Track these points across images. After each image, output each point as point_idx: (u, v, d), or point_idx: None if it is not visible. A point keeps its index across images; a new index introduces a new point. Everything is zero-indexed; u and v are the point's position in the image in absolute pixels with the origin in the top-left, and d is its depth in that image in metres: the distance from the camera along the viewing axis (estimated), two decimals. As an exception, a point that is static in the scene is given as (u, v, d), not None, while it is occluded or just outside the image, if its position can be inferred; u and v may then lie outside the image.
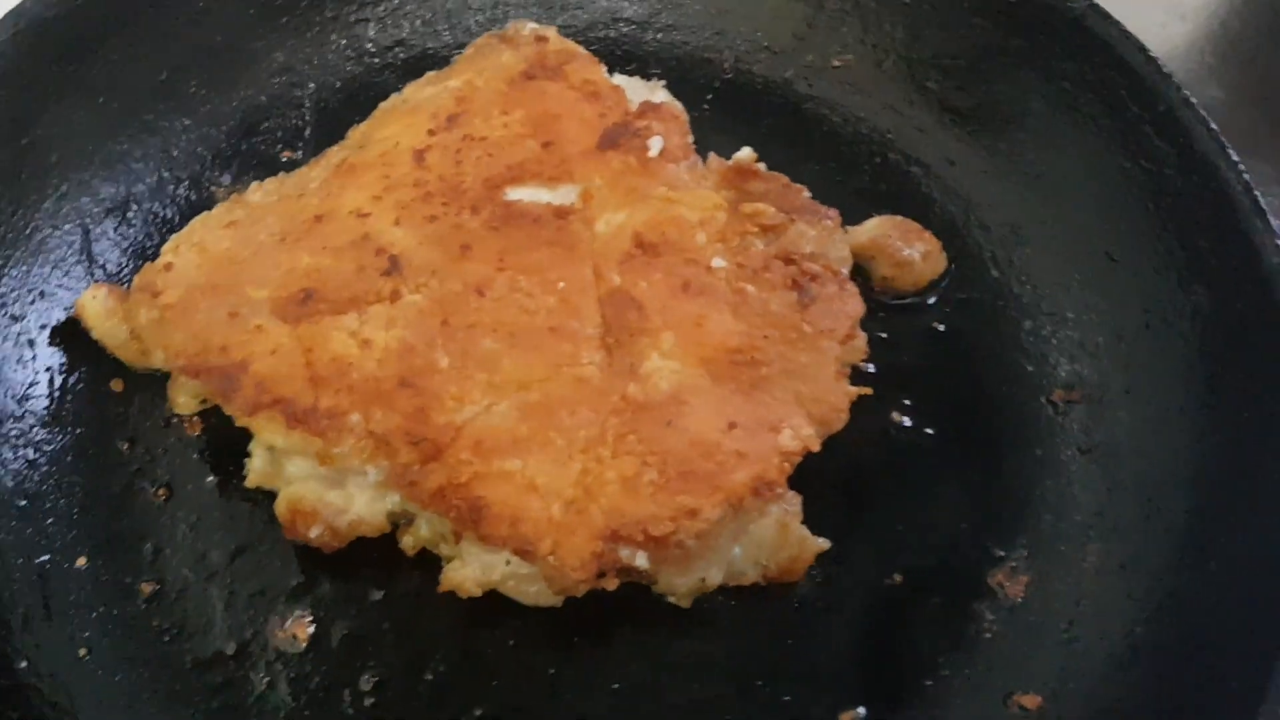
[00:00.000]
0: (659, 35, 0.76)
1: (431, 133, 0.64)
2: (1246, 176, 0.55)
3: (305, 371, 0.55)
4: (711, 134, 0.71)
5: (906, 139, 0.70)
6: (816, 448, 0.56)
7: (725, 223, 0.61)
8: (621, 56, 0.75)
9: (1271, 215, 0.78)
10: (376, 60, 0.74)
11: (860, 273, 0.66)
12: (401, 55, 0.75)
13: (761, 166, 0.64)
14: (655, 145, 0.62)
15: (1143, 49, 0.60)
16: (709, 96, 0.74)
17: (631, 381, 0.56)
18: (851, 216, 0.68)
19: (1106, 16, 0.62)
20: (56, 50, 0.63)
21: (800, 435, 0.56)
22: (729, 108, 0.73)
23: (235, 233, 0.61)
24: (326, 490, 0.57)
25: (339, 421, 0.55)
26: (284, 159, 0.71)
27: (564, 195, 0.62)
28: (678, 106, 0.68)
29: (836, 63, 0.73)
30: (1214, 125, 0.57)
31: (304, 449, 0.55)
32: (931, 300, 0.66)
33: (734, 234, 0.61)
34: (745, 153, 0.63)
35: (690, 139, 0.64)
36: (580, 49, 0.67)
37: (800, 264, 0.60)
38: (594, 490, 0.54)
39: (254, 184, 0.64)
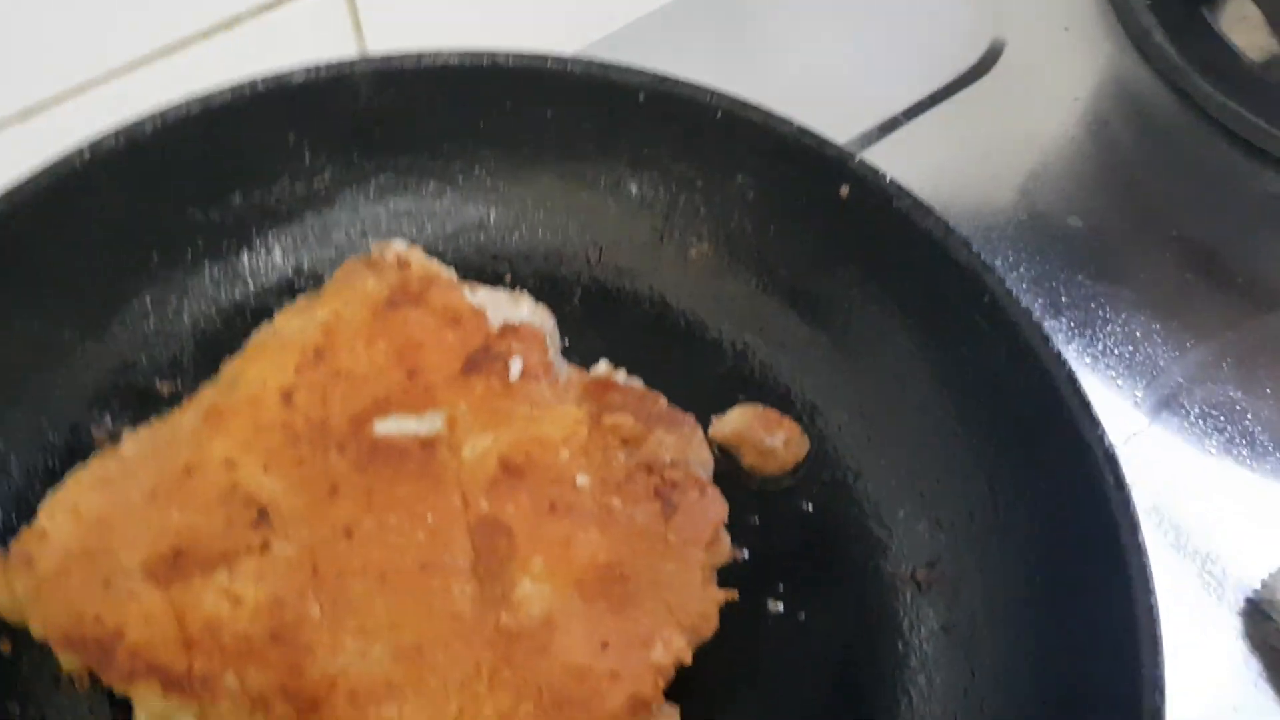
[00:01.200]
0: (524, 236, 0.79)
1: (299, 370, 0.66)
2: (1069, 370, 0.59)
3: (179, 636, 0.56)
4: (582, 330, 0.75)
5: (763, 326, 0.73)
6: (688, 660, 0.58)
7: (587, 438, 0.63)
8: (489, 259, 0.78)
9: (1132, 342, 0.84)
10: (251, 286, 0.76)
11: (729, 459, 0.69)
12: (275, 277, 0.77)
13: (620, 375, 0.67)
14: (515, 367, 0.65)
15: (966, 243, 0.64)
16: (576, 294, 0.77)
17: (504, 610, 0.58)
18: (717, 404, 0.71)
19: (929, 212, 0.66)
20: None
21: (672, 648, 0.58)
22: (595, 303, 0.76)
23: (108, 491, 0.62)
24: (210, 749, 0.57)
25: (214, 683, 0.55)
26: (164, 392, 0.73)
27: (430, 423, 0.64)
28: (538, 320, 0.71)
29: (693, 253, 0.76)
30: (1036, 318, 0.61)
31: (183, 712, 0.56)
32: (797, 480, 0.68)
33: (596, 448, 0.63)
34: (602, 367, 0.66)
35: (550, 355, 0.66)
36: (442, 272, 0.70)
37: (662, 474, 0.62)
38: (471, 729, 0.55)
39: (127, 434, 0.65)
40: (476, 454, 0.62)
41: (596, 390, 0.65)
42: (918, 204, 0.66)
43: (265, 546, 0.59)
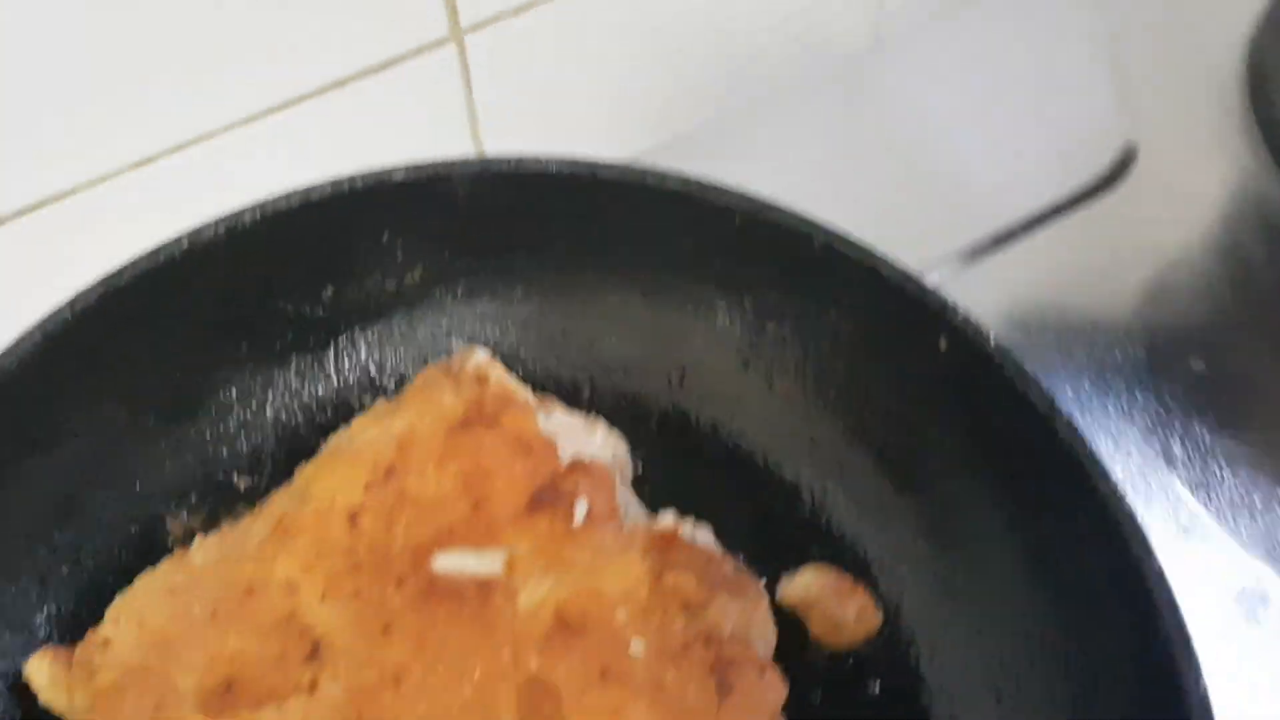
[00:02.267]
0: (607, 351, 0.77)
1: (368, 488, 0.65)
2: (1172, 598, 0.54)
3: (221, 772, 0.57)
4: (658, 457, 0.73)
5: (845, 476, 0.70)
6: None
7: (646, 598, 0.61)
8: (570, 370, 0.77)
9: (1250, 509, 0.77)
10: (335, 382, 0.77)
11: (795, 625, 0.66)
12: (359, 374, 0.77)
13: (687, 526, 0.65)
14: (580, 510, 0.63)
15: (1076, 431, 0.59)
16: (654, 417, 0.75)
17: (543, 780, 0.57)
18: (787, 555, 0.68)
19: (1032, 382, 0.62)
20: (12, 403, 0.66)
21: (712, 839, 0.56)
22: (673, 430, 0.74)
23: (172, 603, 0.63)
24: None
25: (250, 828, 0.56)
26: (242, 487, 0.73)
27: (490, 562, 0.63)
28: (611, 450, 0.69)
29: (779, 388, 0.73)
30: (1141, 523, 0.56)
31: None
32: (865, 656, 0.65)
33: (656, 610, 0.61)
34: (668, 519, 0.64)
35: (618, 496, 0.65)
36: (518, 391, 0.69)
37: (720, 648, 0.60)
38: None
39: (198, 539, 0.66)
40: (533, 603, 0.61)
41: (661, 543, 0.63)
42: (1021, 371, 0.62)
43: (314, 685, 0.59)
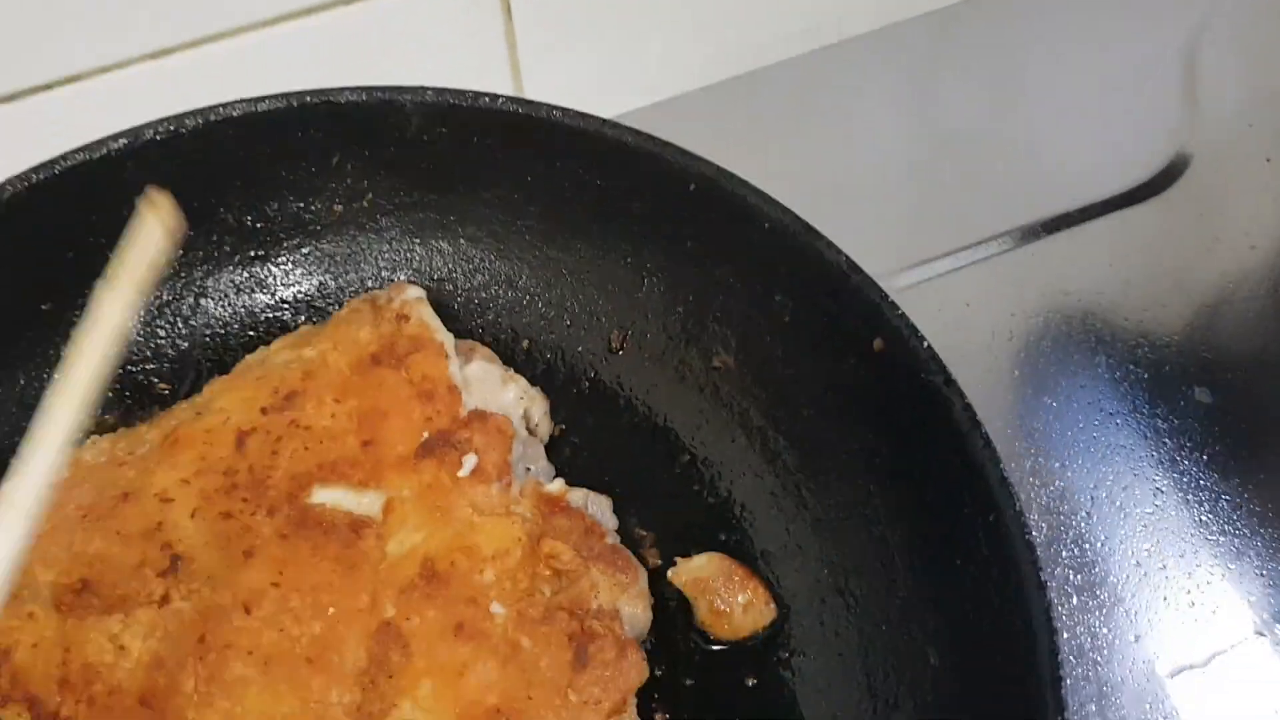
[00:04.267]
0: (550, 303, 0.74)
1: (264, 411, 0.64)
2: (1053, 640, 0.50)
3: (59, 671, 0.55)
4: (580, 420, 0.70)
5: (767, 470, 0.66)
6: (548, 836, 0.53)
7: (519, 560, 0.59)
8: (511, 320, 0.74)
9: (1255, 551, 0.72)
10: (270, 297, 0.75)
11: (685, 609, 0.63)
12: (293, 293, 0.75)
13: (579, 494, 0.62)
14: (469, 463, 0.61)
15: (991, 453, 0.55)
16: (586, 380, 0.72)
17: (377, 729, 0.55)
18: (691, 540, 0.65)
19: (959, 396, 0.57)
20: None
21: (536, 817, 0.53)
22: (603, 395, 0.71)
23: (54, 496, 0.62)
24: (65, 791, 0.57)
25: (75, 732, 0.55)
26: (162, 391, 0.72)
27: (369, 503, 0.61)
28: (524, 407, 0.66)
29: (716, 362, 0.70)
30: (1036, 556, 0.52)
31: (43, 748, 0.56)
32: (747, 650, 0.62)
33: (525, 575, 0.58)
34: (558, 485, 0.61)
35: (511, 458, 0.62)
36: (437, 335, 0.66)
37: (583, 621, 0.57)
38: None
39: (91, 439, 0.65)
40: (403, 550, 0.59)
41: (546, 508, 0.61)
42: (948, 383, 0.58)
43: (165, 599, 0.57)
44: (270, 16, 0.81)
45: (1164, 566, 0.71)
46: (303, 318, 0.75)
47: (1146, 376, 0.80)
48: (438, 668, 0.56)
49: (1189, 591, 0.70)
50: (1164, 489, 0.74)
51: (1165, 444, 0.76)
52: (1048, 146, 0.94)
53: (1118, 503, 0.74)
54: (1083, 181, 0.91)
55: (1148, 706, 0.66)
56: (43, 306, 0.69)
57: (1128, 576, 0.71)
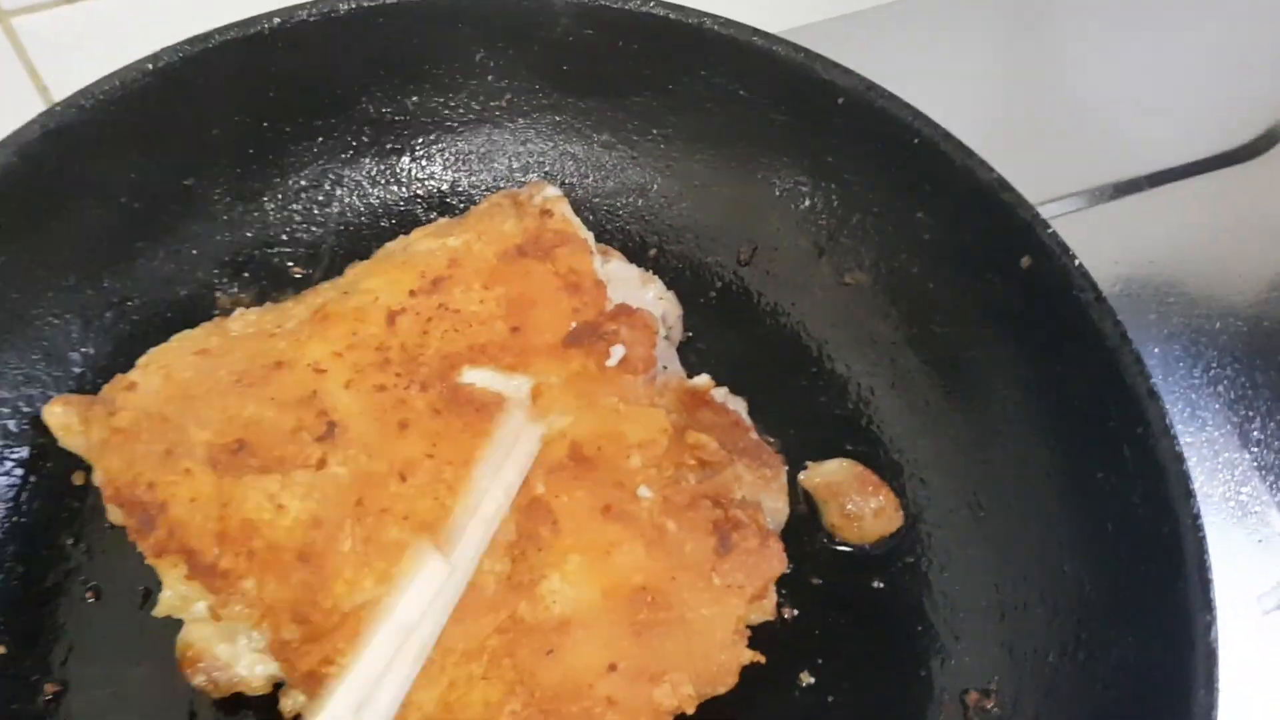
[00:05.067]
0: (682, 214, 0.75)
1: (412, 294, 0.64)
2: (1203, 546, 0.51)
3: (217, 526, 0.57)
4: (711, 328, 0.71)
5: (899, 379, 0.67)
6: (691, 709, 0.54)
7: (665, 449, 0.60)
8: (641, 227, 0.75)
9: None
10: (404, 190, 0.76)
11: (813, 510, 0.64)
12: (429, 187, 0.76)
13: (721, 392, 0.63)
14: (616, 354, 0.62)
15: (1141, 367, 0.56)
16: (715, 288, 0.73)
17: (525, 599, 0.56)
18: (823, 447, 0.66)
19: (1108, 313, 0.58)
20: (82, 150, 0.66)
21: (679, 693, 0.54)
22: (733, 304, 0.72)
23: (201, 362, 0.63)
24: (217, 641, 0.58)
25: (234, 584, 0.56)
26: (296, 274, 0.73)
27: (517, 386, 0.62)
28: (662, 309, 0.67)
29: (849, 279, 0.70)
30: (1187, 469, 0.53)
31: (200, 599, 0.57)
32: (877, 554, 0.63)
33: (670, 463, 0.59)
34: (703, 379, 0.62)
35: (657, 349, 0.63)
36: (579, 232, 0.67)
37: (727, 509, 0.58)
38: (454, 708, 0.54)
39: (238, 311, 0.66)
40: (552, 433, 0.60)
41: (690, 401, 0.62)
42: (1099, 300, 0.59)
43: (322, 463, 0.58)
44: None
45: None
46: (435, 213, 0.76)
47: (1221, 342, 0.80)
48: (585, 544, 0.57)
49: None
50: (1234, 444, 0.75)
51: (1247, 399, 0.77)
52: (1146, 103, 0.94)
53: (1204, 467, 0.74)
54: (1182, 140, 0.91)
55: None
56: (184, 182, 0.71)
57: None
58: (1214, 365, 0.78)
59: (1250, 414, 0.76)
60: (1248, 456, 0.73)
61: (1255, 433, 0.75)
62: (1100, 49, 0.99)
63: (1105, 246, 0.85)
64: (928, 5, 1.01)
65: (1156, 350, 0.78)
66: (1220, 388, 0.76)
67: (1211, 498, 0.70)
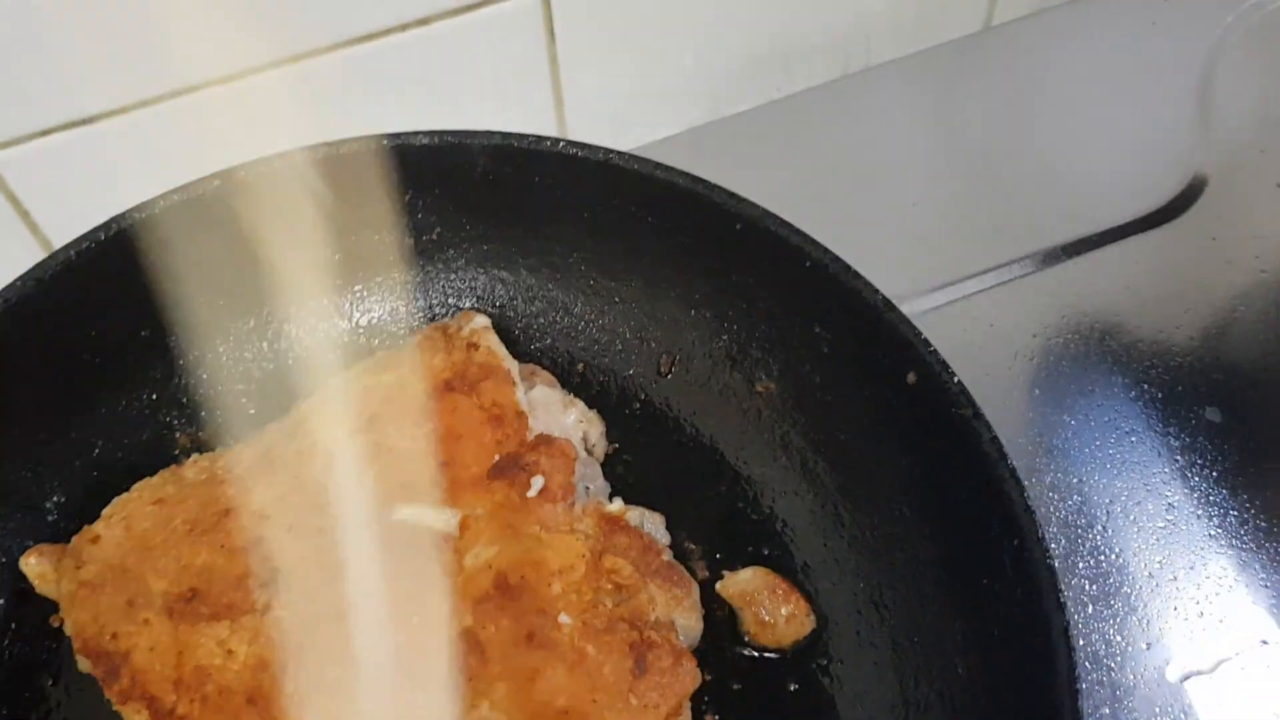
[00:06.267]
0: (603, 330, 0.80)
1: (350, 434, 0.70)
2: (1072, 659, 0.55)
3: (174, 673, 0.62)
4: (634, 440, 0.76)
5: (808, 489, 0.72)
6: (610, 826, 0.59)
7: (583, 575, 0.65)
8: (568, 345, 0.80)
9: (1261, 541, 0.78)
10: (347, 324, 0.81)
11: (732, 618, 0.69)
12: (370, 319, 0.82)
13: (636, 514, 0.68)
14: (536, 484, 0.67)
15: (1014, 475, 0.61)
16: (638, 401, 0.78)
17: (457, 728, 0.61)
18: (738, 554, 0.71)
19: (986, 427, 0.63)
20: (43, 319, 0.71)
21: (601, 809, 0.60)
22: (653, 417, 0.77)
23: (159, 512, 0.68)
24: (181, 778, 0.63)
25: (191, 727, 0.61)
26: (250, 412, 0.79)
27: (447, 519, 0.67)
28: (584, 430, 0.72)
29: (759, 388, 0.75)
30: (1057, 579, 0.58)
31: (162, 742, 0.63)
32: (790, 657, 0.68)
33: (589, 588, 0.64)
34: (617, 505, 0.67)
35: (574, 478, 0.68)
36: (504, 363, 0.72)
37: (643, 631, 0.63)
38: (395, 836, 0.59)
39: (193, 457, 0.72)
40: (478, 564, 0.65)
41: (607, 526, 0.67)
42: (977, 417, 0.63)
43: (267, 608, 0.64)
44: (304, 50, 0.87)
45: (1175, 578, 0.76)
46: (377, 340, 0.81)
47: (1160, 396, 0.85)
48: (511, 672, 0.62)
49: (1198, 601, 0.75)
50: (1176, 504, 0.79)
51: (1177, 461, 0.81)
52: (1068, 172, 0.99)
53: (1132, 516, 0.79)
54: (1101, 206, 0.96)
55: (1158, 710, 0.71)
56: (142, 334, 0.76)
57: (1140, 587, 0.76)
58: (1158, 417, 0.83)
59: (1193, 463, 0.81)
60: (1192, 507, 0.79)
61: (1196, 480, 0.80)
62: (1029, 118, 1.05)
63: (1051, 306, 0.90)
64: (855, 89, 1.06)
65: (1111, 404, 0.84)
66: (1171, 433, 0.82)
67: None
